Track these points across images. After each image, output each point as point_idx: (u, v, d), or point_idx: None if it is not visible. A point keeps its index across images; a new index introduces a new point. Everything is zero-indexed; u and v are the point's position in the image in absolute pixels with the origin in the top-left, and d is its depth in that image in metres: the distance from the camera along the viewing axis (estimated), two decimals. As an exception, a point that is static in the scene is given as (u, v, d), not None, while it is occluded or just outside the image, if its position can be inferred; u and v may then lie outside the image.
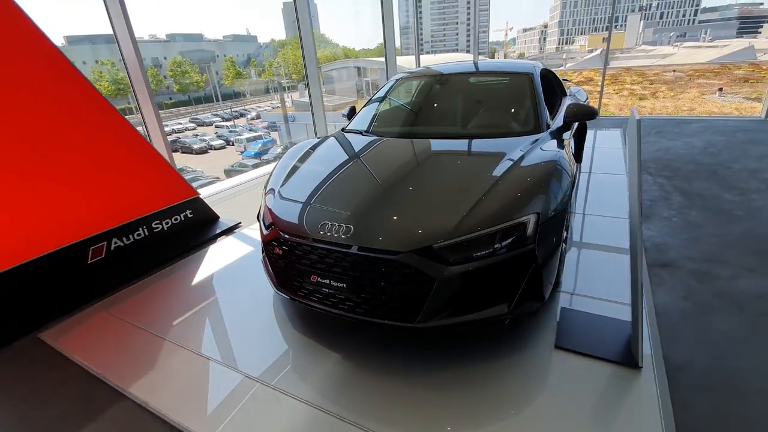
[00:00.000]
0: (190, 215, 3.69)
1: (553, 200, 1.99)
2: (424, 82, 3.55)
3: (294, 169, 2.61)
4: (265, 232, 2.31)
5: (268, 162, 29.04)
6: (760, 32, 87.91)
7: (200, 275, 3.05)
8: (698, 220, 3.47)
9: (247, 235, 3.70)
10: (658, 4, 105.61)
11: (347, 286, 1.91)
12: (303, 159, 2.73)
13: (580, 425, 1.64)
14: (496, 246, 1.81)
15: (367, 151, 2.74)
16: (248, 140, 32.76)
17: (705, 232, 3.25)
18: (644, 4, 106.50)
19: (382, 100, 3.49)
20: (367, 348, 2.14)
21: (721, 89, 21.01)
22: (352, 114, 3.55)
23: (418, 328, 1.85)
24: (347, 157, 2.73)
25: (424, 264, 1.77)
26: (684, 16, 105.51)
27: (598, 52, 50.73)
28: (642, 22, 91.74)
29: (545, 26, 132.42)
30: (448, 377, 1.91)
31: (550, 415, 1.69)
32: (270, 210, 2.30)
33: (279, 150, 29.72)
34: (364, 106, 3.51)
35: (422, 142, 2.71)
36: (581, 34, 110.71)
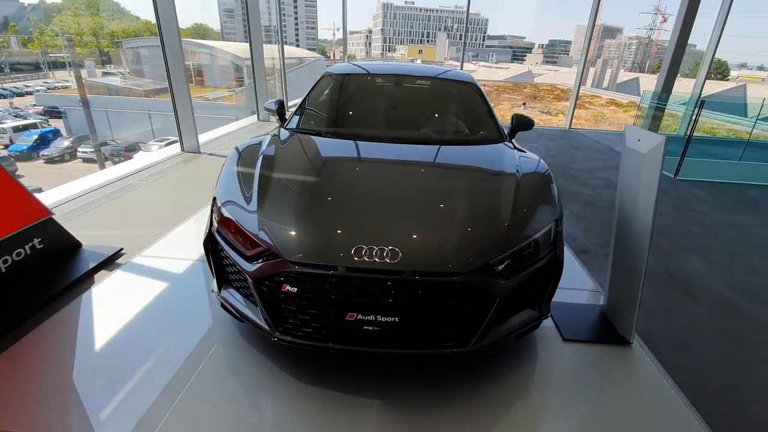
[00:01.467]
0: (39, 246, 2.49)
1: (558, 205, 2.07)
2: (369, 82, 3.28)
3: (265, 180, 2.01)
4: (249, 267, 1.71)
5: (51, 159, 22.50)
6: (525, 60, 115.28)
7: (93, 334, 2.06)
8: (579, 212, 4.24)
9: (140, 266, 2.71)
10: (457, 27, 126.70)
11: (400, 318, 1.60)
12: (268, 167, 2.12)
13: (614, 401, 1.83)
14: (534, 254, 1.79)
15: (354, 157, 2.36)
16: (16, 130, 24.71)
17: (590, 222, 3.99)
18: (448, 25, 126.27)
19: (322, 97, 3.06)
20: (391, 382, 1.81)
21: (524, 104, 27.09)
22: (282, 109, 2.98)
23: (472, 351, 1.69)
24: (338, 164, 2.32)
25: (486, 282, 1.64)
26: (476, 40, 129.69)
27: (418, 61, 57.60)
28: (447, 40, 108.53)
29: (370, 32, 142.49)
30: (482, 395, 1.79)
31: (588, 401, 1.83)
32: (256, 237, 1.71)
33: (67, 143, 23.41)
34: (303, 102, 2.99)
35: (406, 148, 2.48)
36: (401, 43, 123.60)
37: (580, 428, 1.71)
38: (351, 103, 3.14)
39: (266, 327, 1.73)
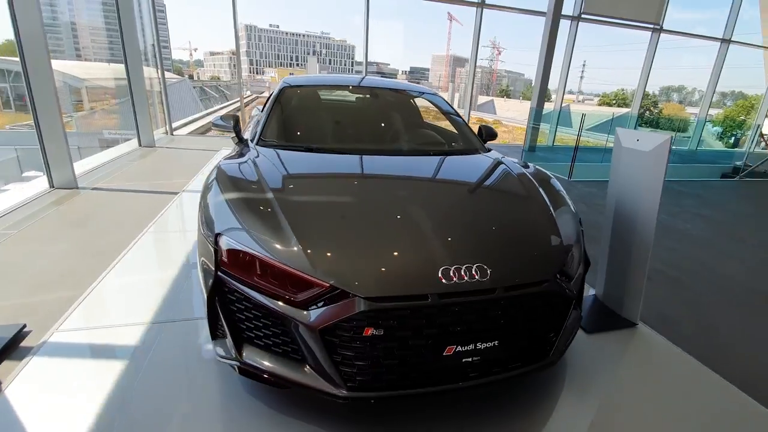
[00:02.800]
0: None
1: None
2: (335, 95, 3.08)
3: (292, 205, 1.61)
4: (306, 315, 1.34)
5: None
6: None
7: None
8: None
9: (62, 347, 1.91)
10: (326, 52, 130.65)
11: (500, 342, 1.45)
12: (287, 190, 1.71)
13: (654, 377, 1.99)
14: (578, 252, 1.80)
15: (385, 174, 2.15)
16: None
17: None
18: (317, 50, 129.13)
19: (290, 110, 2.72)
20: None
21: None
22: (238, 125, 2.53)
23: (550, 364, 1.62)
24: (375, 181, 2.06)
25: (563, 286, 1.59)
26: (345, 65, 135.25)
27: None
28: (318, 64, 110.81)
29: (233, 53, 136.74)
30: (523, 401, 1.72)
31: (635, 385, 1.90)
32: (311, 275, 1.35)
33: None
34: (268, 117, 2.56)
35: (420, 161, 2.33)
36: (270, 66, 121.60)
37: (646, 411, 1.75)
38: (340, 116, 2.90)
39: (330, 387, 1.37)
